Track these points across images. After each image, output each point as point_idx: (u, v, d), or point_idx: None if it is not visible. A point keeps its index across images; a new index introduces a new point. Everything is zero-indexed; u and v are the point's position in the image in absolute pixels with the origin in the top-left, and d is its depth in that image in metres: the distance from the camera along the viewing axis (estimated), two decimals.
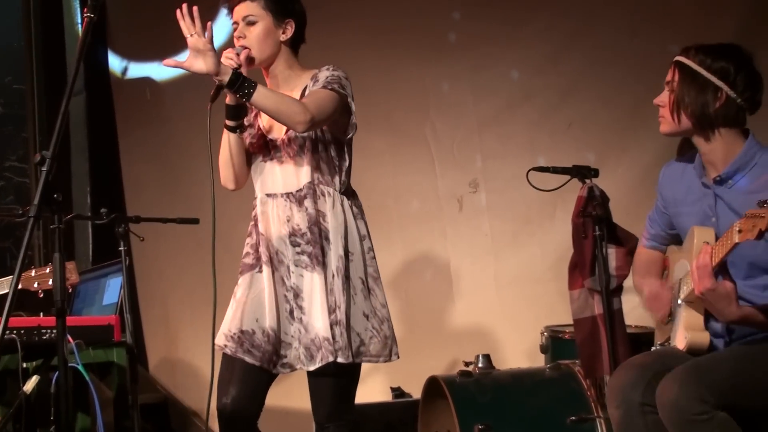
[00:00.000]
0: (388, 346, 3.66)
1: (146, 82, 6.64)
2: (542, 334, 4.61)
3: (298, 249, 3.57)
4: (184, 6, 3.39)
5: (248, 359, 3.53)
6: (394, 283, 5.77)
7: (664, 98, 3.19)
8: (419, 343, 5.66)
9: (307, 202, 3.56)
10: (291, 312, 3.57)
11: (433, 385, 4.29)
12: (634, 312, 4.55)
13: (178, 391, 6.40)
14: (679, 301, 3.14)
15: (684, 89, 3.12)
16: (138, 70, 6.71)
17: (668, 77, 3.19)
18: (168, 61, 3.42)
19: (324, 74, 3.59)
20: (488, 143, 5.76)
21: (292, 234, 3.58)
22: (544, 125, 5.66)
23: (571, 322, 4.07)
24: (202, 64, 3.36)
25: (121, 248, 4.50)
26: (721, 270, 2.97)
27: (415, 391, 4.73)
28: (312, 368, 3.52)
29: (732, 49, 3.15)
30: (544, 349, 4.57)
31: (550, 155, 5.49)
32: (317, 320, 3.50)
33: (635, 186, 5.22)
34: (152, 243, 5.56)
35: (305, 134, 3.56)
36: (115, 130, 6.65)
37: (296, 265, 3.57)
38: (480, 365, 4.38)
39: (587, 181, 4.00)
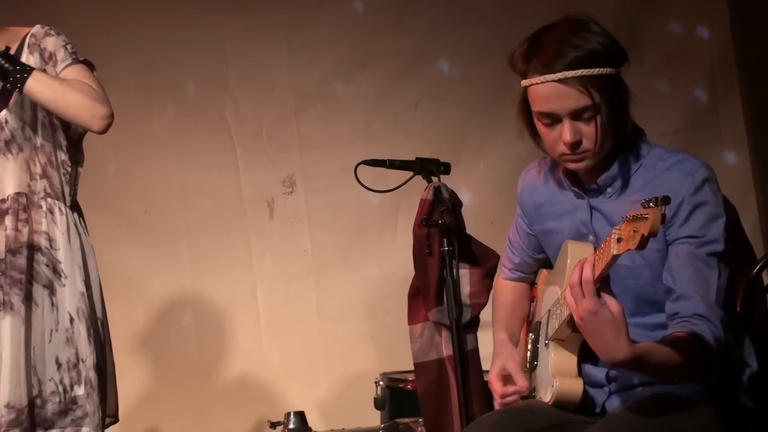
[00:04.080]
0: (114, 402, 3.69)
1: None
2: (377, 383, 4.65)
3: None
4: None
5: None
6: (177, 316, 5.72)
7: (579, 129, 3.02)
8: (215, 399, 5.64)
9: (9, 220, 3.48)
10: None
11: None
12: None
13: None
14: (546, 342, 3.18)
15: (611, 103, 3.00)
16: None
17: (574, 104, 2.99)
18: None
19: (55, 42, 3.53)
20: (309, 127, 5.80)
21: None
22: (384, 103, 5.73)
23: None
24: None
25: None
26: (603, 291, 2.93)
27: None
28: None
29: (584, 23, 3.11)
30: (379, 404, 4.61)
31: (391, 144, 5.56)
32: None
33: (501, 186, 5.31)
34: None
35: (16, 126, 3.50)
36: None
37: None
38: (291, 426, 4.40)
39: (433, 179, 4.04)
